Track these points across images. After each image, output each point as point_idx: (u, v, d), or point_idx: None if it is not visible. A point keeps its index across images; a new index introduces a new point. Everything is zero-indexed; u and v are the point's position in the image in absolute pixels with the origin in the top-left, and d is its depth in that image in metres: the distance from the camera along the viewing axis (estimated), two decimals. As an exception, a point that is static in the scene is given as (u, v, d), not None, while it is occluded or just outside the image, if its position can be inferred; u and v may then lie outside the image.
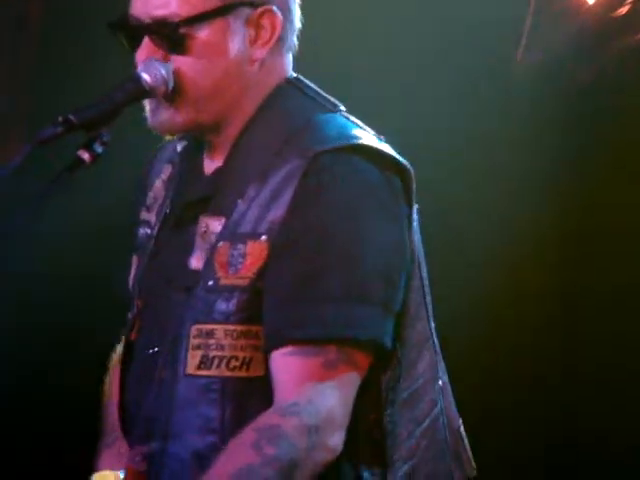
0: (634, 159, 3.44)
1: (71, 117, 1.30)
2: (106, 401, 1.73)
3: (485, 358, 3.40)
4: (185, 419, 1.40)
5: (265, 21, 1.39)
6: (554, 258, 3.52)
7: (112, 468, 1.61)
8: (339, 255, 1.34)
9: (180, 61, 1.40)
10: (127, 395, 1.54)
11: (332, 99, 1.47)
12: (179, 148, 1.58)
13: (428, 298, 1.45)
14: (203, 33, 1.39)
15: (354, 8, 3.35)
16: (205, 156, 1.50)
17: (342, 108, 1.46)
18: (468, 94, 3.40)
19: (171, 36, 1.40)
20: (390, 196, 1.37)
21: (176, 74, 1.40)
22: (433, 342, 1.44)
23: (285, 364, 1.33)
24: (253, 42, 1.39)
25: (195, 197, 1.48)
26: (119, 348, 1.62)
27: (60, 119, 1.30)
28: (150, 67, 1.37)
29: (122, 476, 1.55)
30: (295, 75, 1.47)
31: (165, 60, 1.40)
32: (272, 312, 1.34)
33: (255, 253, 1.36)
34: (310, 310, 1.33)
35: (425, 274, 1.44)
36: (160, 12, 1.40)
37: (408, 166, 1.40)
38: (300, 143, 1.38)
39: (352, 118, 1.44)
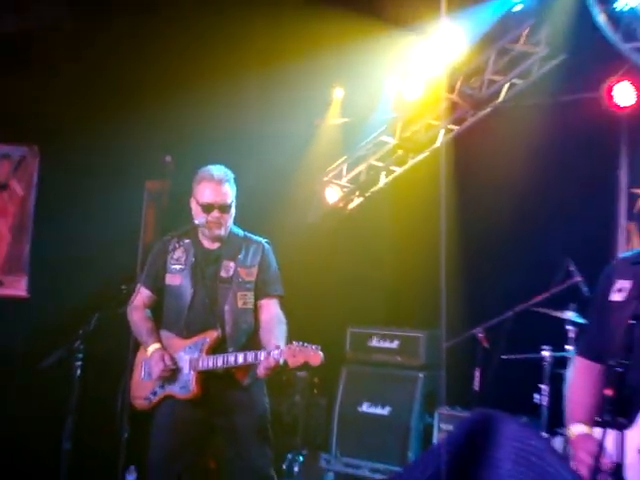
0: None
1: None
2: (139, 321, 3.99)
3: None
4: (238, 320, 3.92)
5: None
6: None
7: (158, 342, 3.94)
8: (278, 272, 4.06)
9: (229, 215, 3.91)
10: (195, 314, 3.93)
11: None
12: (178, 239, 3.98)
13: None
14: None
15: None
16: (206, 242, 3.96)
17: None
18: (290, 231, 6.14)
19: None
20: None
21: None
22: None
23: (268, 303, 3.99)
24: None
25: (214, 255, 3.97)
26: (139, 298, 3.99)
27: None
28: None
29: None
30: None
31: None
32: (262, 286, 3.97)
33: (253, 270, 3.97)
34: (275, 286, 4.04)
35: None
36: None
37: None
38: (253, 239, 4.03)
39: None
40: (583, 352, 3.05)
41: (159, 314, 4.09)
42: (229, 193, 3.96)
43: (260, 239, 4.13)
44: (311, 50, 5.65)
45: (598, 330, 2.93)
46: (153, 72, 5.83)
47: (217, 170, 3.98)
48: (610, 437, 2.32)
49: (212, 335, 3.88)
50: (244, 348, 3.88)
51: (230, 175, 4.01)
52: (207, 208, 3.93)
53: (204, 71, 5.73)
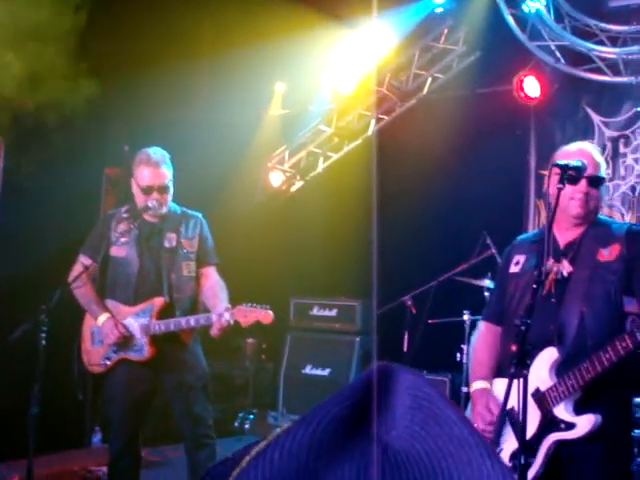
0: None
1: None
2: (87, 292, 4.00)
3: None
4: (185, 287, 4.06)
5: None
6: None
7: (107, 312, 4.00)
8: (213, 242, 4.18)
9: (168, 194, 4.10)
10: (143, 282, 4.04)
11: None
12: (125, 215, 4.04)
13: None
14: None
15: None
16: (148, 217, 4.02)
17: None
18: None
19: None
20: None
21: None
22: None
23: (208, 271, 4.16)
24: None
25: (157, 228, 4.07)
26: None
27: None
28: None
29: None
30: None
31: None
32: (203, 256, 4.13)
33: (194, 242, 4.11)
34: (213, 255, 4.18)
35: None
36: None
37: None
38: (191, 214, 4.14)
39: None
40: (487, 317, 3.31)
41: (102, 284, 4.20)
42: (167, 174, 4.02)
43: (197, 213, 4.24)
44: (256, 43, 6.03)
45: (499, 298, 3.21)
46: (111, 65, 6.00)
47: (154, 152, 4.02)
48: (511, 385, 2.53)
49: (159, 301, 4.01)
50: (189, 312, 4.06)
51: (166, 156, 4.04)
52: (147, 190, 4.01)
53: (159, 64, 5.97)
